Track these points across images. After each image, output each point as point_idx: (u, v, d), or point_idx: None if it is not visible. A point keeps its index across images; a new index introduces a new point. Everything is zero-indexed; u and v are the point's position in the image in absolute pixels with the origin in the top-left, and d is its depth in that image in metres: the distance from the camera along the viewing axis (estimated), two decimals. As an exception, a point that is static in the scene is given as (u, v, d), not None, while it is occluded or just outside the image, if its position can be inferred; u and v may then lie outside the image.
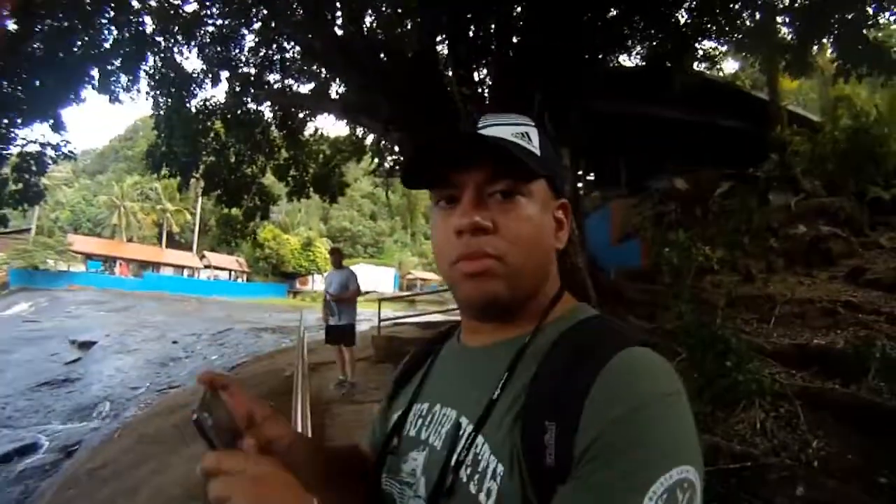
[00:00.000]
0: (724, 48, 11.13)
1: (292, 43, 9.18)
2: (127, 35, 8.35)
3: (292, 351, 8.20)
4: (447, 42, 7.61)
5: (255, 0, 8.25)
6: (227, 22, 9.15)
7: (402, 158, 9.55)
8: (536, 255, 0.67)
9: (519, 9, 7.02)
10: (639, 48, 9.39)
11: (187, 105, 9.42)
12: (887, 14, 7.52)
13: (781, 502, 2.90)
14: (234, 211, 10.88)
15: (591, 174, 15.45)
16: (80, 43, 7.63)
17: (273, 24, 8.70)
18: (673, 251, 6.49)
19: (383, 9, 8.07)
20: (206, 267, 51.46)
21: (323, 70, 9.55)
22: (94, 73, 8.47)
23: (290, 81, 10.09)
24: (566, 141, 6.94)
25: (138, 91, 9.28)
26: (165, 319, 21.81)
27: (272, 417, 0.70)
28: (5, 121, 7.35)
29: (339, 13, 7.91)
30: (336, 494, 0.81)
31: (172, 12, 8.57)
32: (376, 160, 11.37)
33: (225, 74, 9.53)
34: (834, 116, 10.31)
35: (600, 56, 7.95)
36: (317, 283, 48.08)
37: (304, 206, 50.87)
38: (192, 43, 9.16)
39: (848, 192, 9.22)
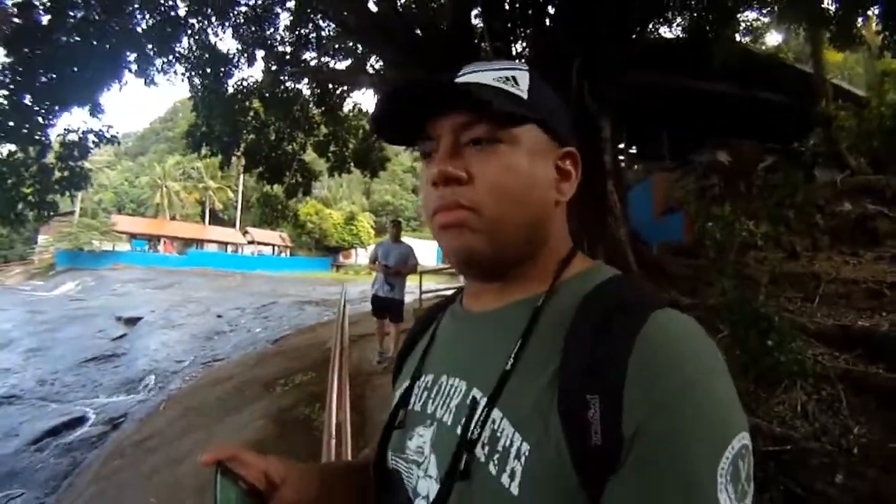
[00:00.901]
0: (766, 19, 10.80)
1: (327, 21, 9.17)
2: (159, 18, 8.43)
3: (334, 324, 8.33)
4: (482, 15, 7.53)
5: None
6: (260, 1, 9.19)
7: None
8: (523, 208, 0.61)
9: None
10: (679, 19, 9.15)
11: (224, 85, 9.52)
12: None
13: (821, 489, 2.84)
14: (276, 188, 11.01)
15: (634, 147, 15.14)
16: (116, 28, 7.73)
17: (308, 2, 8.70)
18: (716, 226, 6.37)
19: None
20: (250, 242, 51.90)
21: (359, 46, 9.54)
22: (130, 57, 8.55)
23: (326, 59, 10.10)
24: (607, 113, 6.81)
25: (175, 73, 9.38)
26: (210, 295, 22.15)
27: (290, 472, 0.66)
28: (44, 110, 7.49)
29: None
30: None
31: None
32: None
33: (260, 54, 9.60)
34: (880, 91, 9.92)
35: (640, 28, 7.76)
36: (360, 257, 48.28)
37: (346, 180, 51.12)
38: (226, 23, 9.19)
39: (895, 169, 8.87)
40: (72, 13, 7.40)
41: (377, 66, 9.59)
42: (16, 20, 6.89)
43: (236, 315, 16.63)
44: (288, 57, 9.52)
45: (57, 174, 7.98)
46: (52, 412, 8.12)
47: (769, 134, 10.32)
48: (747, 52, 9.50)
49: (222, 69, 9.40)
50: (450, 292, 0.92)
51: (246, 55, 9.55)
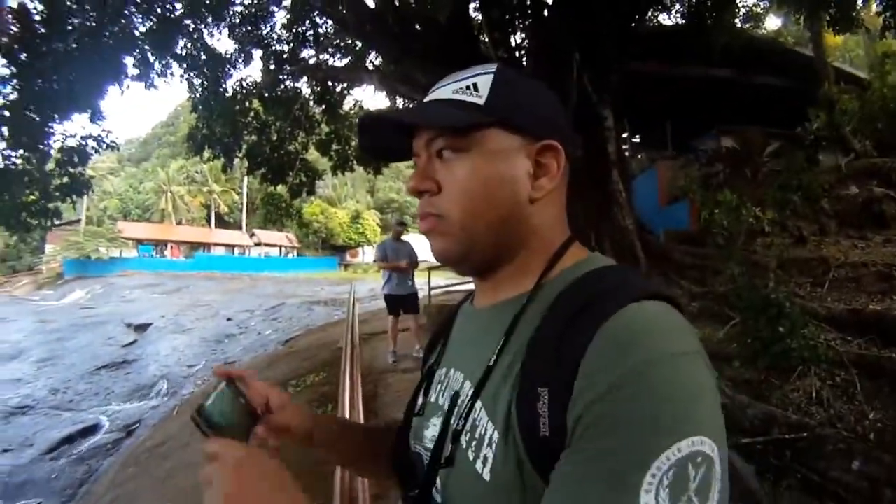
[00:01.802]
0: (766, 3, 10.71)
1: (325, 18, 9.14)
2: (155, 20, 8.39)
3: (345, 323, 8.34)
4: (480, 6, 7.49)
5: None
6: (255, 1, 9.17)
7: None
8: (489, 210, 0.62)
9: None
10: (678, 6, 9.09)
11: (223, 86, 9.52)
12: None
13: (837, 476, 2.80)
14: (280, 188, 11.02)
15: (637, 136, 15.19)
16: (115, 31, 7.70)
17: (303, 0, 8.68)
18: (722, 212, 6.33)
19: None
20: (257, 244, 52.00)
21: (357, 42, 9.51)
22: (127, 62, 8.52)
23: (325, 56, 10.10)
24: (609, 103, 6.78)
25: (172, 75, 9.34)
26: (218, 298, 22.18)
27: (289, 404, 0.74)
28: (43, 117, 7.48)
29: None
30: (371, 468, 0.90)
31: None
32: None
33: (258, 53, 9.58)
34: (882, 73, 9.83)
35: (638, 15, 7.71)
36: (367, 256, 48.24)
37: (350, 179, 51.15)
38: (222, 23, 9.17)
39: (899, 151, 8.81)
40: (69, 20, 7.40)
41: (377, 62, 9.56)
42: (13, 28, 6.88)
43: (246, 317, 16.65)
44: (286, 55, 9.49)
45: (57, 181, 8.00)
46: (65, 421, 8.13)
47: (772, 119, 10.27)
48: (748, 37, 9.41)
49: (220, 70, 9.38)
50: (456, 288, 0.96)
51: (243, 55, 9.53)
